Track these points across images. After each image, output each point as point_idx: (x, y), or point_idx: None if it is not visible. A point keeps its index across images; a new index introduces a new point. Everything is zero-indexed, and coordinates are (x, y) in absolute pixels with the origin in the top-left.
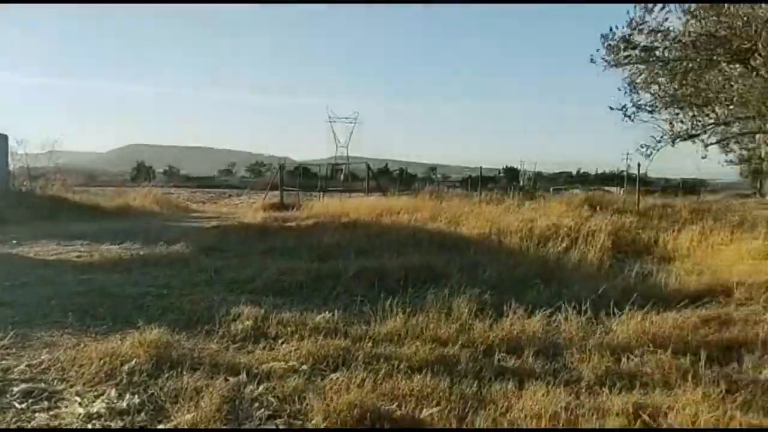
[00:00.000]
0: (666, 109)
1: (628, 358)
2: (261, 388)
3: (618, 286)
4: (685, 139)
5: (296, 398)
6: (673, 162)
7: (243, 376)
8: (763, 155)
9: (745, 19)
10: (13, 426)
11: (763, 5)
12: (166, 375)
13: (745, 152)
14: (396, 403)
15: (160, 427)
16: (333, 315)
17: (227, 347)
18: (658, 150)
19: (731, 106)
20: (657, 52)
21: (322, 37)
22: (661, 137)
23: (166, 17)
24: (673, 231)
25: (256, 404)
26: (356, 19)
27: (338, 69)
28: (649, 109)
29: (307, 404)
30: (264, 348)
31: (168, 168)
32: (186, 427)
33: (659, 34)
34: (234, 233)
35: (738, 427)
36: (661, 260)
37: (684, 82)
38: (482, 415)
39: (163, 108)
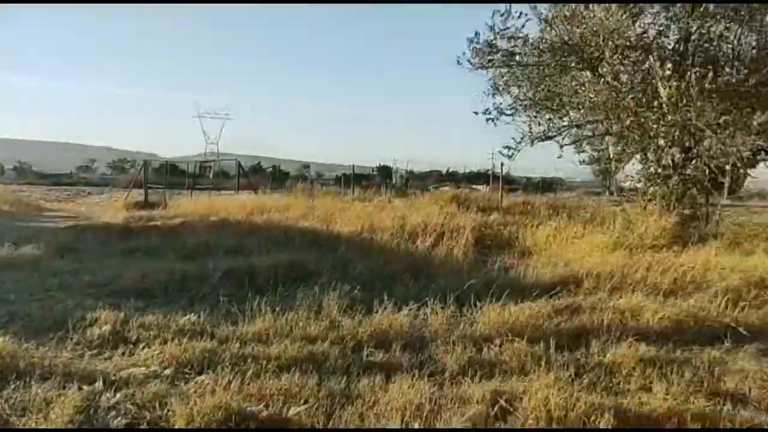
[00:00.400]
0: (525, 111)
1: (488, 347)
2: (119, 395)
3: (481, 280)
4: (542, 140)
5: (157, 404)
6: (534, 162)
7: (99, 384)
8: (611, 156)
9: (594, 29)
10: None
11: (611, 17)
12: (12, 387)
13: (596, 153)
14: (263, 403)
15: None
16: (199, 316)
17: (82, 354)
18: (518, 151)
19: (582, 110)
20: (517, 57)
21: (202, 33)
22: (522, 139)
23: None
24: (532, 226)
25: (113, 412)
26: (234, 18)
27: (209, 66)
28: (510, 112)
29: (168, 410)
30: (123, 354)
31: (18, 164)
32: None
33: (519, 40)
34: (92, 233)
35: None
36: (521, 254)
37: (540, 86)
38: (349, 411)
39: (12, 100)
